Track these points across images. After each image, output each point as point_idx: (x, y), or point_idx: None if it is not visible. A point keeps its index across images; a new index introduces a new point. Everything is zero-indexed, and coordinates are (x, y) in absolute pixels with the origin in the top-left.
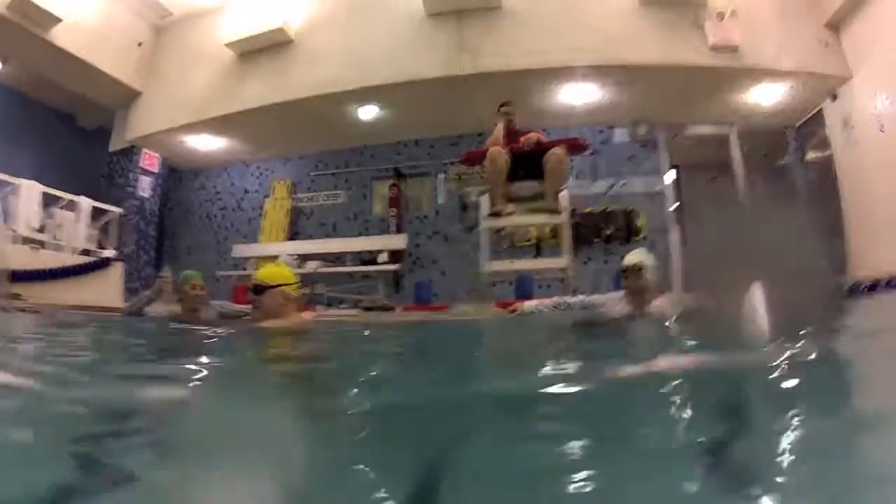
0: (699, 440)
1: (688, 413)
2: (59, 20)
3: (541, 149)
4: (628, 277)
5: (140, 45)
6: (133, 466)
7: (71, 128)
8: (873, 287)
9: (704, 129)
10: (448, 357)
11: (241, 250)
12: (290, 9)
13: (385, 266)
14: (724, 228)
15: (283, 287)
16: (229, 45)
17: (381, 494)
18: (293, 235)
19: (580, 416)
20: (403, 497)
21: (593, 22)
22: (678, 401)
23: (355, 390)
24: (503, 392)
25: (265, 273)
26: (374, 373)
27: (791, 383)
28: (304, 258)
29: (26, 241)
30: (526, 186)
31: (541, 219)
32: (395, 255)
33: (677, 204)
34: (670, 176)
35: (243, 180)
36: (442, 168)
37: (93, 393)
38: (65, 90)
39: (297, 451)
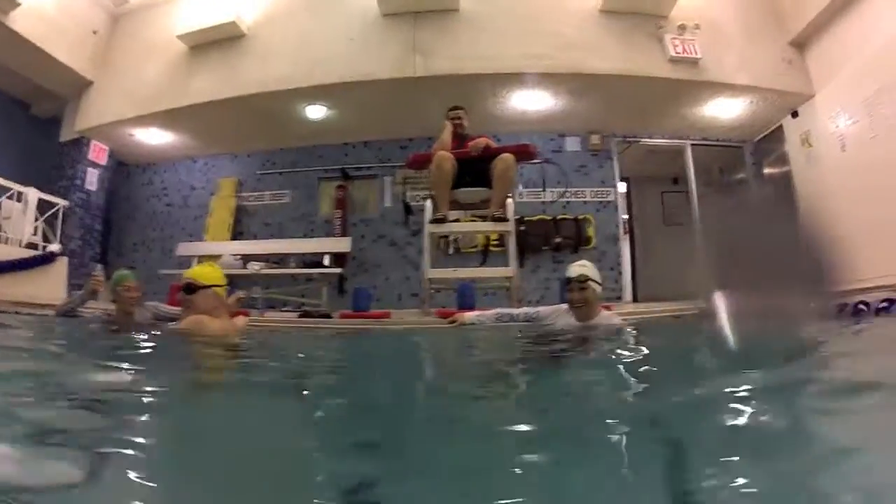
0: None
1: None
2: (18, 4)
3: (489, 154)
4: (573, 289)
5: (95, 33)
6: None
7: (26, 116)
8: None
9: (659, 141)
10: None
11: (185, 248)
12: (245, 3)
13: (329, 269)
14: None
15: (215, 288)
16: (181, 37)
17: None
18: (237, 235)
19: None
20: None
21: (551, 28)
22: None
23: None
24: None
25: (197, 272)
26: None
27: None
28: (247, 259)
29: None
30: (472, 192)
31: (486, 226)
32: (339, 259)
33: (626, 217)
34: (622, 187)
35: (190, 176)
36: (389, 171)
37: None
38: (20, 77)
39: None
